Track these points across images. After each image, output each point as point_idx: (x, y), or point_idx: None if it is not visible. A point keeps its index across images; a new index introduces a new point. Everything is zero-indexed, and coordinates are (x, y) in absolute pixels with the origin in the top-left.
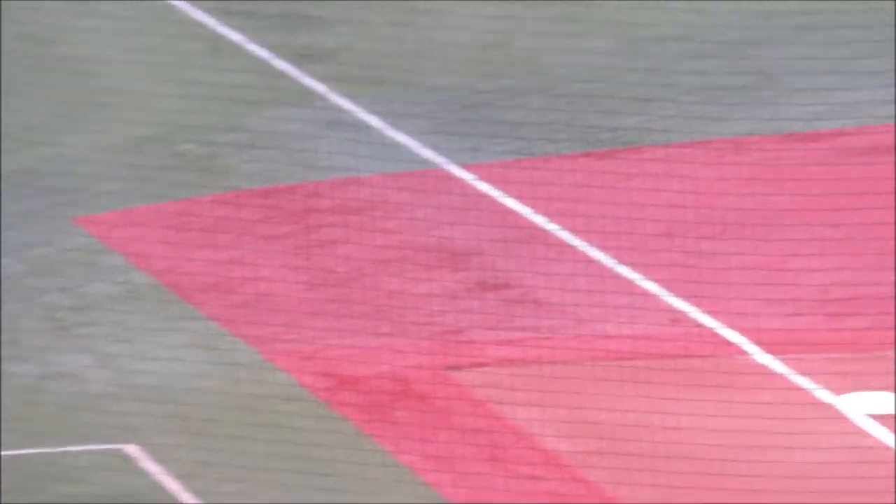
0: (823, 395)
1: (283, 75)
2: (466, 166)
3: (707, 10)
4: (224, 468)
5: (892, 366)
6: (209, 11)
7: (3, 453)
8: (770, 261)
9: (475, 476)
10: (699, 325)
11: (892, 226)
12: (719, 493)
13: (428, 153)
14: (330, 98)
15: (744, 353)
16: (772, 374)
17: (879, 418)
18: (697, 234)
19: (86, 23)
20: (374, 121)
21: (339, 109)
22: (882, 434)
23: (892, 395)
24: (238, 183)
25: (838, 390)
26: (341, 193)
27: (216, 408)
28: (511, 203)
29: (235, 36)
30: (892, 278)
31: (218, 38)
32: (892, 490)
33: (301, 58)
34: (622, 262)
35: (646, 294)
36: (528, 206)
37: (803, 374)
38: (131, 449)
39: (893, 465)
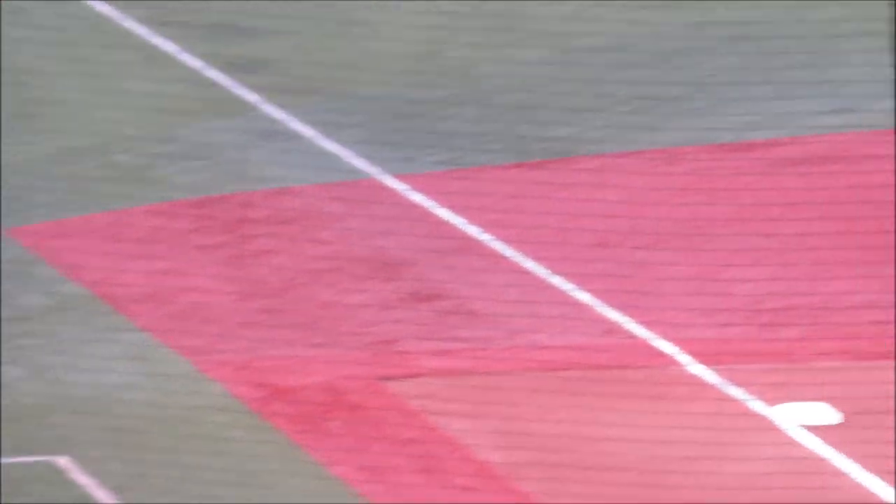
0: (756, 405)
1: (216, 85)
2: (400, 176)
3: (640, 20)
4: (156, 480)
5: (825, 376)
6: (142, 21)
7: None
8: (703, 271)
9: (408, 487)
10: (632, 336)
11: (825, 236)
12: None
13: (361, 163)
14: (263, 108)
15: (677, 363)
16: (705, 384)
17: (812, 429)
18: (631, 245)
19: (18, 33)
20: (307, 131)
21: (273, 119)
22: (815, 445)
23: (826, 405)
24: (171, 193)
25: (771, 401)
26: (274, 203)
27: (149, 419)
28: (444, 213)
29: (169, 46)
30: (825, 288)
31: (151, 49)
32: (825, 501)
33: (234, 68)
34: (556, 272)
35: (579, 304)
36: (461, 216)
37: (736, 384)
38: (63, 461)
39: (826, 475)
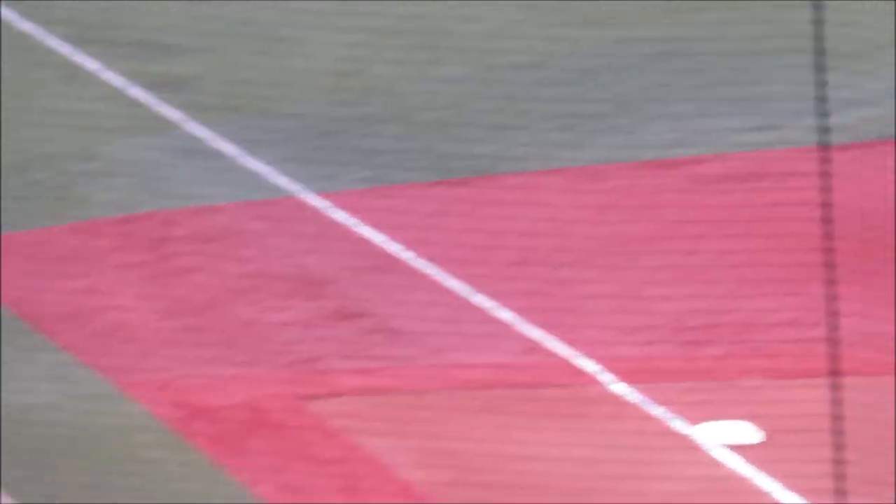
0: (679, 424)
1: (138, 103)
2: (322, 194)
3: (562, 37)
4: (78, 501)
5: (748, 394)
6: (65, 39)
7: None
8: (625, 289)
9: None
10: (554, 355)
11: (748, 253)
12: None
13: (283, 181)
14: (186, 126)
15: (599, 382)
16: (627, 403)
17: (735, 448)
18: (553, 263)
19: None
20: (229, 148)
21: (195, 137)
22: (737, 464)
23: (748, 424)
24: (93, 212)
25: (694, 420)
26: (196, 222)
27: (70, 440)
28: (366, 231)
29: (91, 64)
30: (748, 305)
31: (73, 67)
32: None
33: (157, 85)
34: (478, 290)
35: (501, 323)
36: (383, 234)
37: (659, 403)
38: None
39: (748, 494)
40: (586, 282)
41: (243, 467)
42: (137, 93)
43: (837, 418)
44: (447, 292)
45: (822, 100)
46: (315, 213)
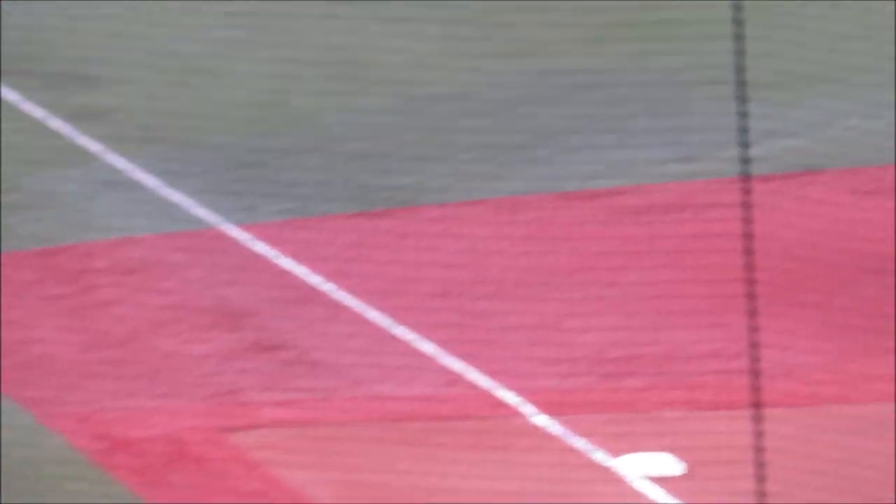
0: (600, 456)
1: (58, 135)
2: (242, 226)
3: (482, 68)
4: None
5: (669, 426)
6: None
7: None
8: (546, 320)
9: None
10: (476, 386)
11: (668, 285)
12: None
13: (204, 213)
14: (106, 158)
15: (520, 414)
16: (549, 435)
17: (656, 480)
18: (474, 294)
19: None
20: (150, 180)
21: (116, 169)
22: (660, 496)
23: (670, 456)
24: (14, 244)
25: (615, 451)
26: (117, 254)
27: None
28: (287, 263)
29: (11, 95)
30: (670, 337)
31: None
32: None
33: (77, 117)
34: (399, 322)
35: (422, 355)
36: (304, 265)
37: (580, 435)
38: None
39: None
40: (507, 313)
41: (164, 500)
42: (58, 124)
43: (759, 450)
44: (368, 324)
45: (743, 130)
46: (236, 245)
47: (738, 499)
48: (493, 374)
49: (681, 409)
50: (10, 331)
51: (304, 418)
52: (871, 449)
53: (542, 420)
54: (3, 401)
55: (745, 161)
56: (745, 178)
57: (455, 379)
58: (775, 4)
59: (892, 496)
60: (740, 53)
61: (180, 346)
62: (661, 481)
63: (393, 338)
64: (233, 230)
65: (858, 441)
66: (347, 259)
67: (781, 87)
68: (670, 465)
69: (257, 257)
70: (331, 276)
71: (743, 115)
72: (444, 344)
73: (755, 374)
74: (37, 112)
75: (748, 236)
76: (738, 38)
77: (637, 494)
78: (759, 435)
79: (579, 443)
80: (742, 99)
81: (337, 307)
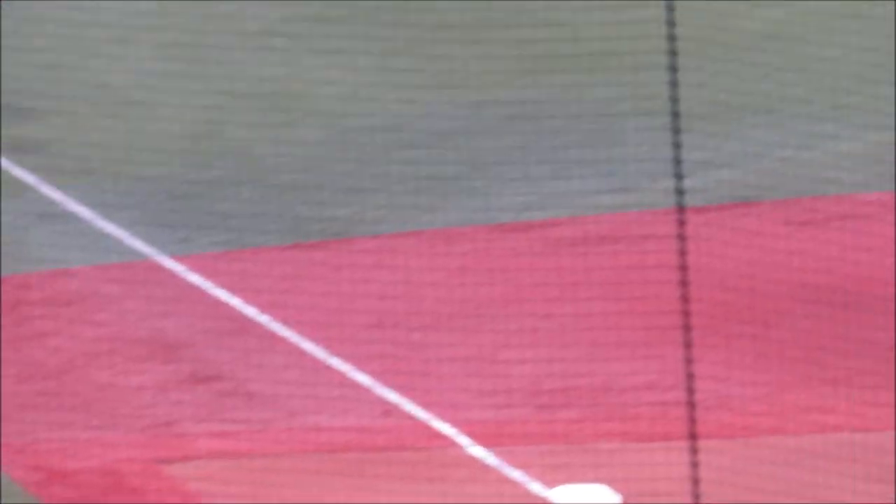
0: (536, 487)
1: None
2: (177, 257)
3: (417, 99)
4: None
5: (604, 457)
6: None
7: None
8: (481, 352)
9: None
10: (411, 417)
11: (603, 316)
12: None
13: (138, 244)
14: (41, 189)
15: (456, 445)
16: (484, 466)
17: None
18: (409, 326)
19: None
20: (84, 212)
21: (50, 201)
22: None
23: (605, 487)
24: None
25: (551, 483)
26: (51, 285)
27: None
28: (222, 294)
29: None
30: (605, 369)
31: None
32: None
33: (11, 149)
34: (334, 353)
35: (357, 386)
36: (239, 297)
37: (516, 466)
38: None
39: None
40: (442, 345)
41: None
42: None
43: (695, 481)
44: (303, 355)
45: (677, 162)
46: (171, 277)
47: None
48: (428, 405)
49: (616, 440)
50: None
51: (240, 449)
52: (807, 481)
53: (478, 451)
54: None
55: (680, 192)
56: (680, 209)
57: (391, 409)
58: (708, 36)
59: None
60: (674, 85)
61: (116, 378)
62: None
63: (328, 368)
64: (168, 262)
65: (794, 473)
66: (283, 290)
67: (715, 118)
68: (606, 496)
69: (192, 288)
70: (266, 307)
71: (677, 146)
72: (379, 375)
73: (691, 405)
74: None
75: (683, 268)
76: (672, 69)
77: None
78: (694, 466)
79: (515, 474)
80: (676, 130)
81: (272, 338)
